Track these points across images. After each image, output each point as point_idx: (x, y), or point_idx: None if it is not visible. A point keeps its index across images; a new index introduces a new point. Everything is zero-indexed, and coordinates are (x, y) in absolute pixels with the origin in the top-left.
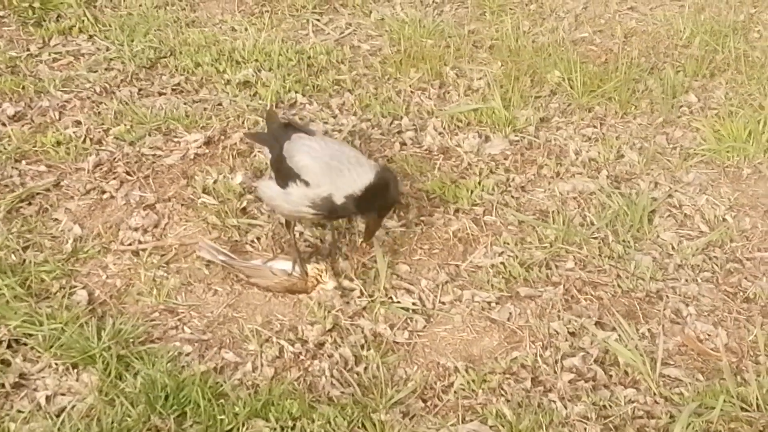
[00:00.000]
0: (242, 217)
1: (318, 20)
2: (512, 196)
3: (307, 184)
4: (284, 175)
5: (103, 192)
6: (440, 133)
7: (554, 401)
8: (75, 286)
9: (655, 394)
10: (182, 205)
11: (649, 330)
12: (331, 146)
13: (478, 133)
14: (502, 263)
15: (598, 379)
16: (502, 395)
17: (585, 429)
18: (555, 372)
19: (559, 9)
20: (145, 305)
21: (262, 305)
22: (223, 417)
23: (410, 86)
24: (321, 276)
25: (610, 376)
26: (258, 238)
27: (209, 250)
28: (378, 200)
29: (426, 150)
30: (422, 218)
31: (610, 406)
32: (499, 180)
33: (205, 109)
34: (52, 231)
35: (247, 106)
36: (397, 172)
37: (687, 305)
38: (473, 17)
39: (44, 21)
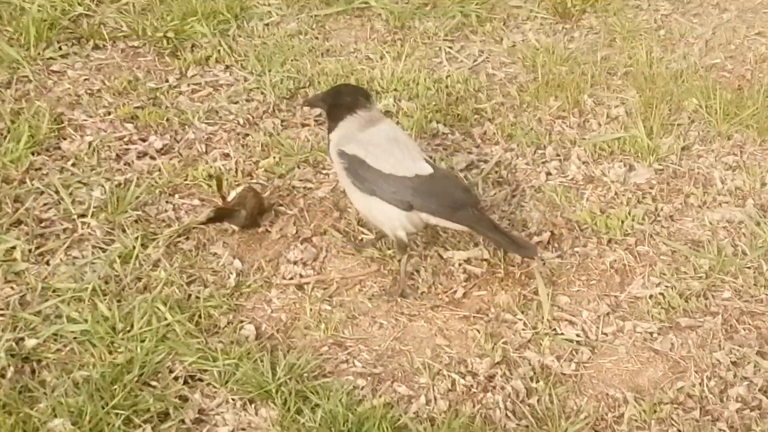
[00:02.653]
0: None
1: (450, 48)
2: (662, 226)
3: None
4: None
5: (259, 225)
6: (584, 162)
7: (724, 431)
8: (242, 321)
9: None
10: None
11: None
12: None
13: (622, 162)
14: (660, 293)
15: (764, 407)
16: (673, 425)
17: None
18: (721, 401)
19: (688, 34)
20: (313, 339)
21: (428, 338)
22: None
23: (549, 114)
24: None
25: None
26: (417, 271)
27: None
28: None
29: (571, 179)
30: (576, 249)
31: None
32: (648, 209)
33: None
34: (212, 265)
35: None
36: (547, 203)
37: None
38: (604, 44)
39: (180, 51)
